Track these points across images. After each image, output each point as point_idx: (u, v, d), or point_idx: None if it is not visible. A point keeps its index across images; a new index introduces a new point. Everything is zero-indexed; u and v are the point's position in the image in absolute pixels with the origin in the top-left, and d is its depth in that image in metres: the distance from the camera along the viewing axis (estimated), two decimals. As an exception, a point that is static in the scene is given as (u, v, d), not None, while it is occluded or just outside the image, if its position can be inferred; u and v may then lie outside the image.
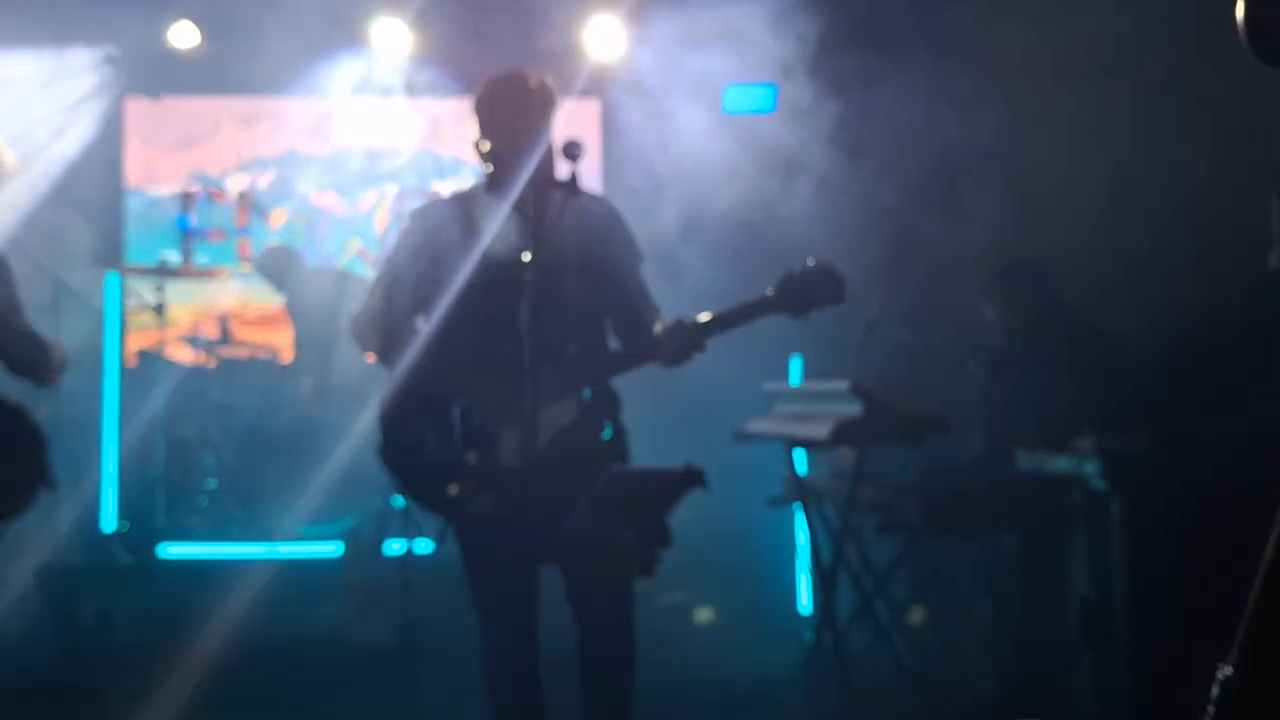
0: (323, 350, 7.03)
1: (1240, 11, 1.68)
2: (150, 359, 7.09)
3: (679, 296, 3.63)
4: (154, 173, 7.90)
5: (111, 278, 6.96)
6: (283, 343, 7.24)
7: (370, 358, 3.45)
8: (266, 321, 7.60)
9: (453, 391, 3.12)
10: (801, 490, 4.69)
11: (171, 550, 6.29)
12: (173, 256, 7.26)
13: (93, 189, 6.96)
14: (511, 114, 3.15)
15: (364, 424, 6.34)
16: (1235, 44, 1.69)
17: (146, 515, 6.49)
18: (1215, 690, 1.73)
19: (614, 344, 3.29)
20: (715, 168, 5.16)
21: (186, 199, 7.93)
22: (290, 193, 7.98)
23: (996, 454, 4.05)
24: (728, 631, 5.88)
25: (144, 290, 6.87)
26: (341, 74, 7.45)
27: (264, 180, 8.01)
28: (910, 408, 4.30)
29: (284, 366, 7.01)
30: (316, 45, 7.29)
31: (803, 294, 3.03)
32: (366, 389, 6.76)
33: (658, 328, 3.11)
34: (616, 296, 3.24)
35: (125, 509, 6.76)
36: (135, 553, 6.22)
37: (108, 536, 6.52)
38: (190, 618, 5.69)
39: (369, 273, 7.86)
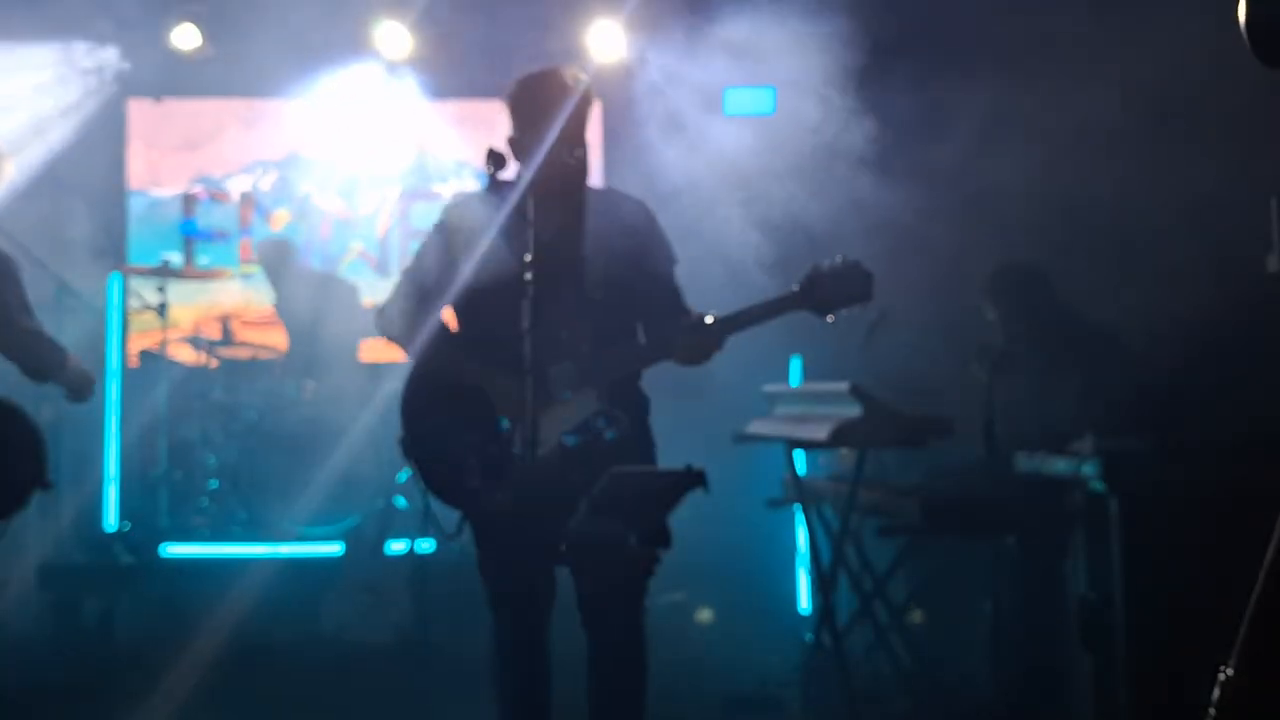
0: (309, 351, 7.05)
1: (1242, 14, 1.69)
2: (152, 359, 7.10)
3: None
4: (156, 174, 7.92)
5: (114, 278, 6.98)
6: (283, 343, 7.25)
7: (393, 348, 3.46)
8: (268, 322, 7.62)
9: (472, 385, 3.13)
10: (801, 492, 4.69)
11: (173, 550, 6.29)
12: (175, 257, 7.28)
13: (95, 190, 6.99)
14: (548, 111, 3.09)
15: (365, 425, 6.38)
16: (1238, 47, 1.70)
17: (148, 515, 6.50)
18: (1216, 692, 1.73)
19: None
20: (716, 171, 5.17)
21: (189, 200, 7.96)
22: (292, 194, 8.01)
23: (996, 456, 4.05)
24: (728, 632, 5.89)
25: (146, 291, 6.88)
26: (343, 77, 7.47)
27: (266, 182, 8.03)
28: (910, 410, 4.32)
29: (285, 367, 7.02)
30: (318, 48, 7.31)
31: (830, 291, 3.00)
32: (366, 390, 6.79)
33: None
34: (646, 297, 3.20)
35: (127, 509, 6.77)
36: (137, 552, 6.21)
37: (109, 536, 6.52)
38: (191, 617, 5.70)
39: (370, 275, 7.90)
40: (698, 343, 3.01)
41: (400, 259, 8.12)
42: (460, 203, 3.34)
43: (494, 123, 8.56)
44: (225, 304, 7.28)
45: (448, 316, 3.33)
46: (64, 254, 6.33)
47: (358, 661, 5.35)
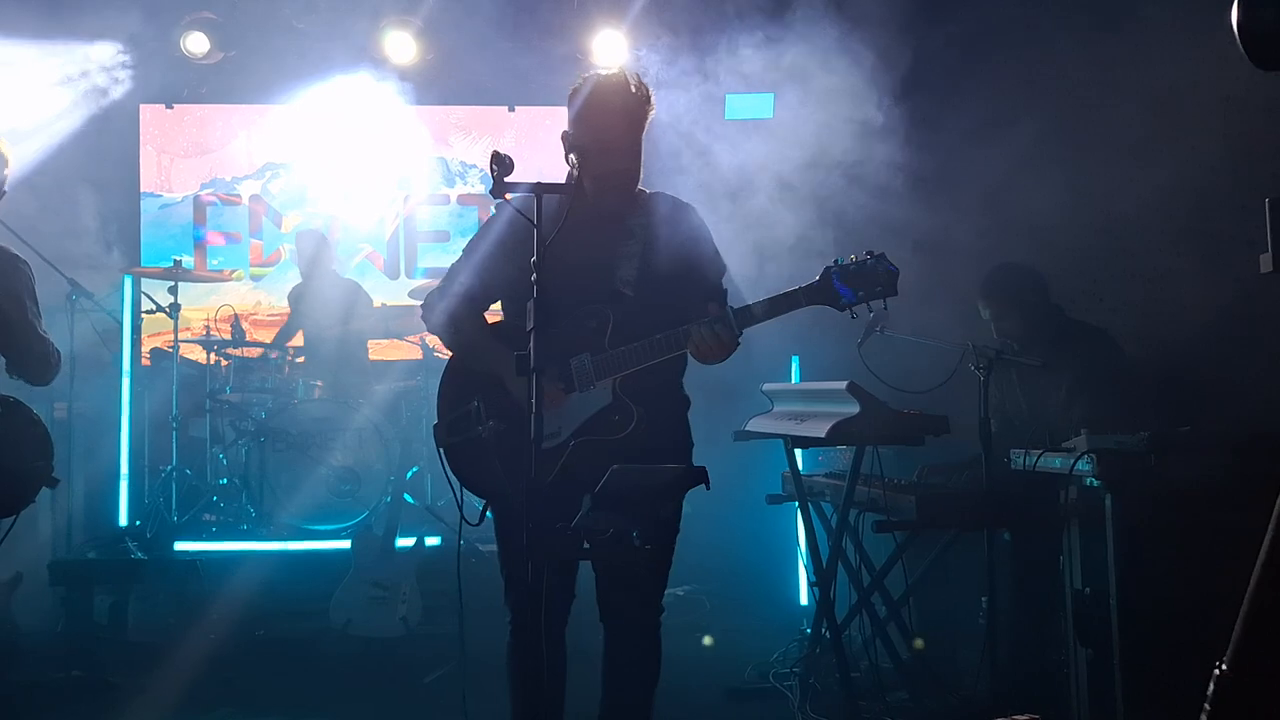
0: (322, 346, 7.13)
1: (1235, 18, 1.75)
2: (163, 358, 7.18)
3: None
4: (168, 177, 8.01)
5: (126, 279, 7.06)
6: (294, 343, 7.33)
7: (436, 339, 3.49)
8: (278, 322, 7.70)
9: (497, 376, 3.18)
10: (800, 488, 4.76)
11: (183, 546, 6.35)
12: (186, 259, 7.36)
13: (109, 193, 7.06)
14: (607, 114, 3.14)
15: (373, 422, 6.45)
16: (1231, 51, 1.76)
17: (159, 512, 6.55)
18: (1211, 688, 1.79)
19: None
20: (717, 174, 5.23)
21: (199, 204, 8.04)
22: (302, 198, 8.08)
23: (992, 453, 4.08)
24: (728, 626, 5.96)
25: (158, 291, 6.96)
26: (351, 82, 7.54)
27: (276, 185, 8.10)
28: (907, 408, 4.36)
29: (295, 366, 7.09)
30: (326, 55, 7.39)
31: (850, 285, 2.95)
32: (375, 388, 6.87)
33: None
34: (689, 297, 3.16)
35: (138, 506, 6.83)
36: (148, 548, 6.26)
37: (121, 532, 6.58)
38: (201, 612, 5.77)
39: (378, 277, 7.97)
40: (711, 335, 2.98)
41: (407, 261, 8.20)
42: (511, 202, 3.36)
43: (499, 127, 8.74)
44: (236, 304, 7.35)
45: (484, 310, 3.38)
46: (77, 256, 6.39)
47: (366, 655, 5.41)
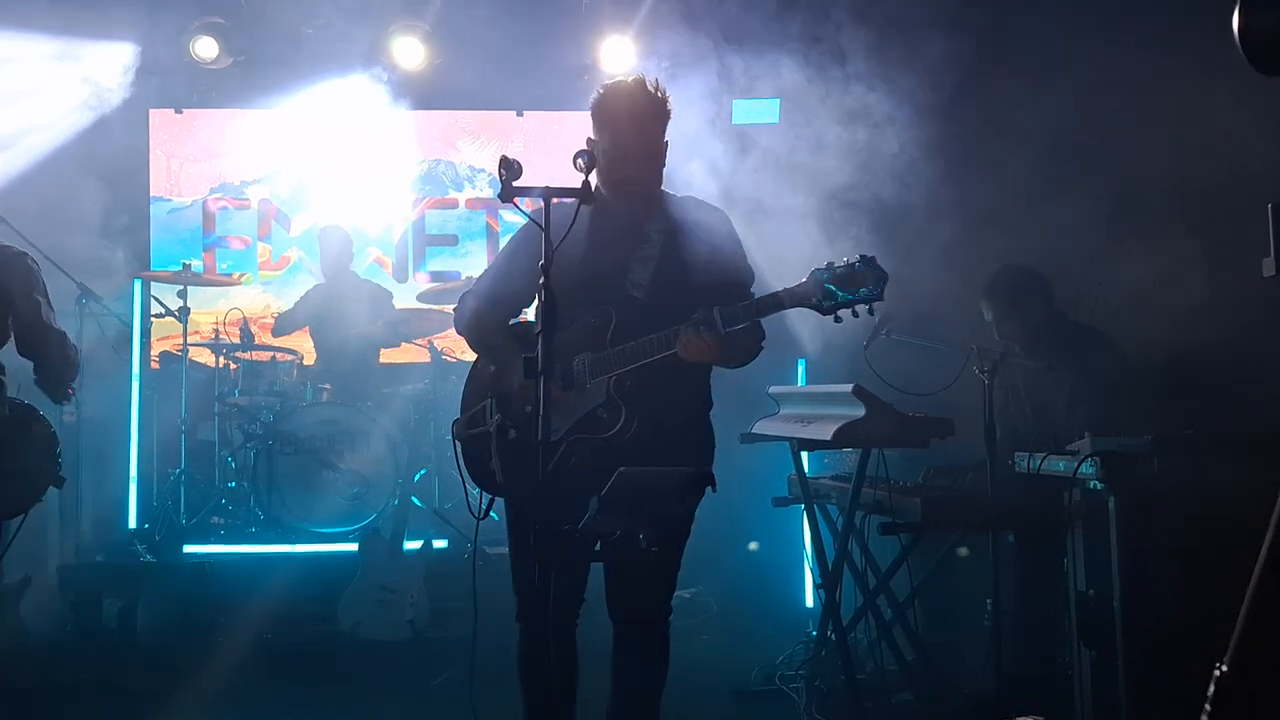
0: (332, 347, 7.16)
1: (1236, 22, 1.77)
2: (172, 362, 7.21)
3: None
4: (177, 182, 8.05)
5: (135, 283, 7.10)
6: (303, 346, 7.36)
7: (444, 343, 3.53)
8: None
9: (508, 376, 3.22)
10: (806, 490, 4.77)
11: (192, 549, 6.38)
12: (195, 263, 7.40)
13: (119, 197, 7.09)
14: (618, 119, 3.18)
15: (381, 425, 6.48)
16: (1234, 55, 1.78)
17: (167, 515, 6.58)
18: (1211, 688, 1.79)
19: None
20: (721, 177, 5.25)
21: (208, 208, 8.07)
22: (310, 202, 8.11)
23: (996, 456, 4.10)
24: (734, 626, 5.99)
25: (167, 295, 6.99)
26: (360, 87, 7.57)
27: (285, 190, 8.14)
28: (912, 410, 4.38)
29: (304, 370, 7.12)
30: (336, 59, 7.42)
31: (837, 288, 2.83)
32: (383, 391, 6.90)
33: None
34: (709, 302, 3.05)
35: (146, 509, 6.86)
36: (156, 552, 6.30)
37: (129, 536, 6.62)
38: (210, 616, 5.79)
39: (386, 280, 7.99)
40: (695, 336, 2.93)
41: (415, 265, 8.24)
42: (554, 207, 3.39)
43: (507, 132, 8.76)
44: (245, 308, 7.38)
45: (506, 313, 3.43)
46: (87, 260, 6.42)
47: (374, 658, 5.42)
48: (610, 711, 3.32)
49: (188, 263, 6.99)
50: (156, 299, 7.03)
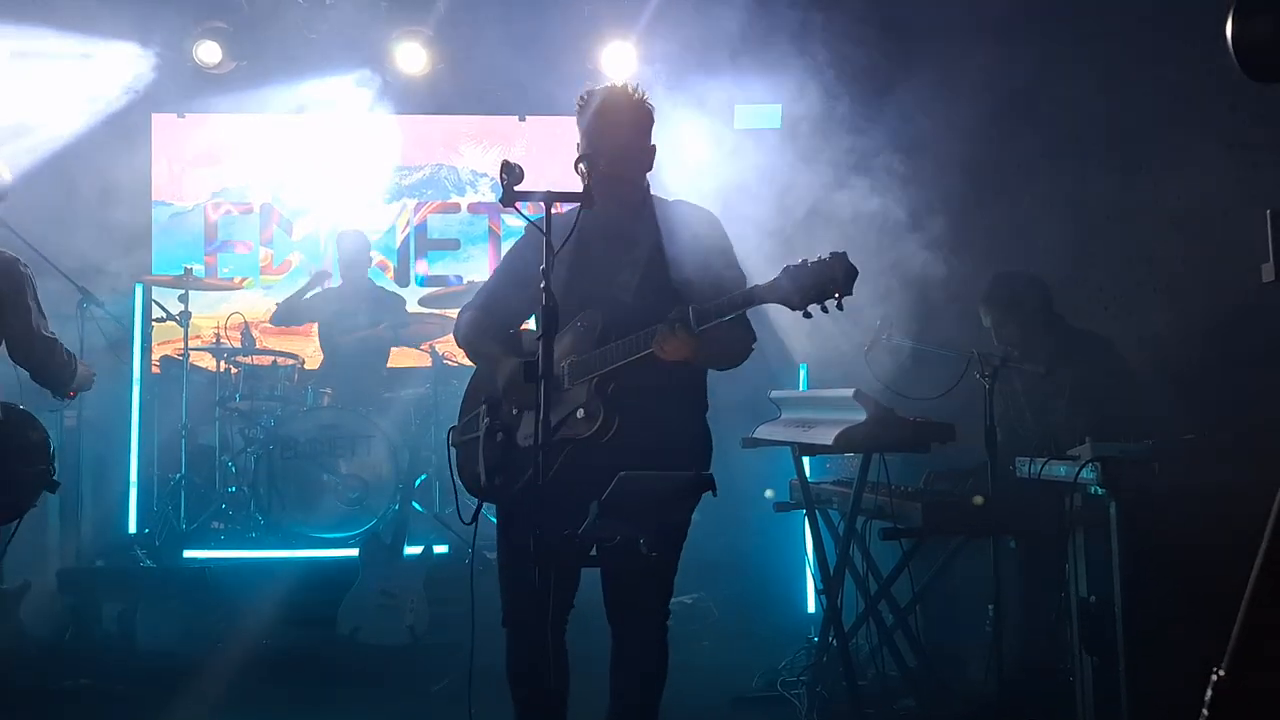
0: (337, 350, 7.16)
1: (1229, 31, 1.78)
2: (173, 366, 7.20)
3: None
4: (179, 186, 8.05)
5: (137, 287, 7.10)
6: (305, 350, 7.36)
7: (445, 348, 3.55)
8: (288, 330, 7.73)
9: (499, 380, 3.26)
10: (808, 496, 4.77)
11: (192, 554, 6.37)
12: (196, 267, 7.41)
13: (120, 201, 7.10)
14: (602, 124, 3.22)
15: (383, 430, 6.47)
16: (1230, 62, 1.79)
17: (167, 520, 6.57)
18: (1209, 692, 1.80)
19: None
20: (723, 182, 5.26)
21: (210, 212, 8.08)
22: (312, 206, 8.12)
23: (997, 460, 4.10)
24: (735, 632, 5.97)
25: (168, 299, 7.00)
26: (363, 91, 7.59)
27: (287, 194, 8.15)
28: (913, 415, 4.38)
29: (305, 374, 7.12)
30: (339, 63, 7.44)
31: (804, 283, 2.73)
32: (384, 396, 6.89)
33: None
34: (698, 302, 3.03)
35: (146, 513, 6.86)
36: (156, 556, 6.30)
37: (129, 540, 6.62)
38: (210, 620, 5.79)
39: (388, 285, 8.00)
40: (670, 335, 2.91)
41: (416, 269, 8.25)
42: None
43: (510, 137, 8.76)
44: (246, 312, 7.38)
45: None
46: (89, 264, 6.43)
47: (373, 663, 5.42)
48: (608, 719, 3.31)
49: (189, 267, 6.99)
50: (158, 303, 7.03)
